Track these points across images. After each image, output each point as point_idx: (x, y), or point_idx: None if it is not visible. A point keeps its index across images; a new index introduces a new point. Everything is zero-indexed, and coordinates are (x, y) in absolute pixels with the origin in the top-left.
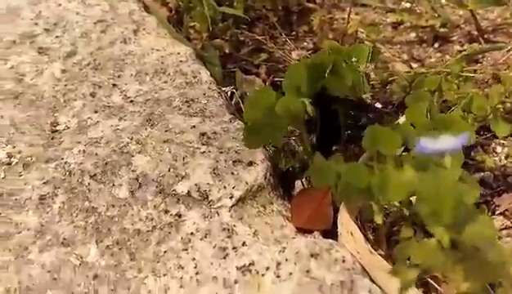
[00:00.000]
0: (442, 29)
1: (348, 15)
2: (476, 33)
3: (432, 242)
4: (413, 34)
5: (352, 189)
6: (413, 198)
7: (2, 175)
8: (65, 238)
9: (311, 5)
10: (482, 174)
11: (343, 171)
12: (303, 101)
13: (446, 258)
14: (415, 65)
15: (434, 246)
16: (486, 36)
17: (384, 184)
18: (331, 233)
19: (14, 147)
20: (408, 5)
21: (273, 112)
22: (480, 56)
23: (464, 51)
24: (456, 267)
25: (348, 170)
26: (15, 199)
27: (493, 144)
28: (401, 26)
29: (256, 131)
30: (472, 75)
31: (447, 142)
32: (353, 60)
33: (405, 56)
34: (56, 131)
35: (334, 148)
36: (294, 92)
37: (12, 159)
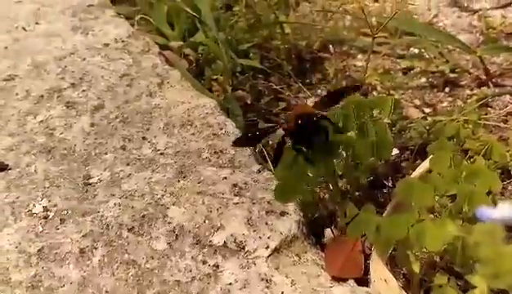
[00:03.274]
0: (451, 74)
1: (367, 66)
2: (484, 77)
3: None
4: (423, 79)
5: (391, 240)
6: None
7: (41, 229)
8: (107, 291)
9: (323, 53)
10: None
11: (382, 224)
12: None
13: None
14: (427, 110)
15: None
16: (494, 80)
17: (422, 235)
18: (362, 279)
19: (49, 201)
20: (417, 51)
21: (304, 170)
22: (490, 100)
23: (475, 95)
24: None
25: (388, 222)
26: (56, 253)
27: (510, 187)
28: (412, 72)
29: (287, 188)
30: (486, 122)
31: (507, 210)
32: (376, 112)
33: (417, 101)
34: (90, 184)
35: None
36: None
37: (49, 213)
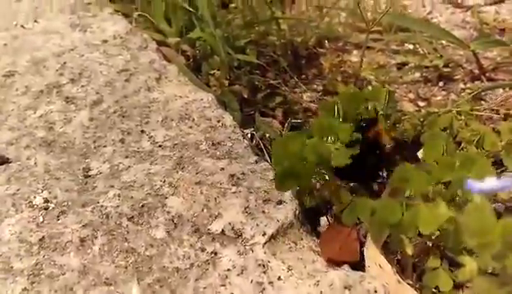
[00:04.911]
0: (445, 69)
1: (361, 60)
2: (478, 71)
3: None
4: (418, 74)
5: (385, 223)
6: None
7: (41, 220)
8: (107, 278)
9: (319, 49)
10: (494, 205)
11: (377, 208)
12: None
13: (491, 283)
14: (421, 104)
15: (471, 271)
16: (487, 74)
17: (415, 218)
18: (358, 266)
19: (50, 192)
20: (411, 46)
21: (302, 157)
22: (483, 94)
23: (468, 89)
24: (500, 291)
25: (382, 206)
26: (56, 242)
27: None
28: (406, 67)
29: (287, 176)
30: (479, 113)
31: (493, 183)
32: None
33: (411, 95)
34: (89, 176)
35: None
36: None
37: (49, 204)
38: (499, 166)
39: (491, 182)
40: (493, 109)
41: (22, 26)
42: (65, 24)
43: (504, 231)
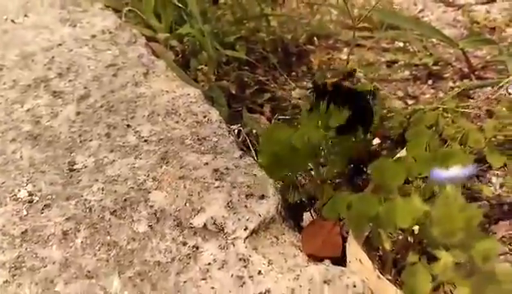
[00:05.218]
0: (434, 67)
1: (348, 56)
2: (467, 70)
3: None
4: (407, 72)
5: (362, 217)
6: (416, 228)
7: (25, 213)
8: (88, 271)
9: (309, 47)
10: (479, 203)
11: (354, 201)
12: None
13: (458, 273)
14: (410, 102)
15: (445, 264)
16: (476, 73)
17: (392, 213)
18: (340, 261)
19: (34, 186)
20: (401, 44)
21: (290, 146)
22: (472, 92)
23: (457, 87)
24: (466, 281)
25: (359, 200)
26: (39, 235)
27: (488, 175)
28: (396, 65)
29: (276, 162)
30: (466, 110)
31: (457, 172)
32: None
33: (400, 93)
34: (74, 170)
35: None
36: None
37: (33, 197)
38: (483, 163)
39: (455, 170)
40: (479, 107)
41: (12, 21)
42: (55, 19)
43: (467, 219)
